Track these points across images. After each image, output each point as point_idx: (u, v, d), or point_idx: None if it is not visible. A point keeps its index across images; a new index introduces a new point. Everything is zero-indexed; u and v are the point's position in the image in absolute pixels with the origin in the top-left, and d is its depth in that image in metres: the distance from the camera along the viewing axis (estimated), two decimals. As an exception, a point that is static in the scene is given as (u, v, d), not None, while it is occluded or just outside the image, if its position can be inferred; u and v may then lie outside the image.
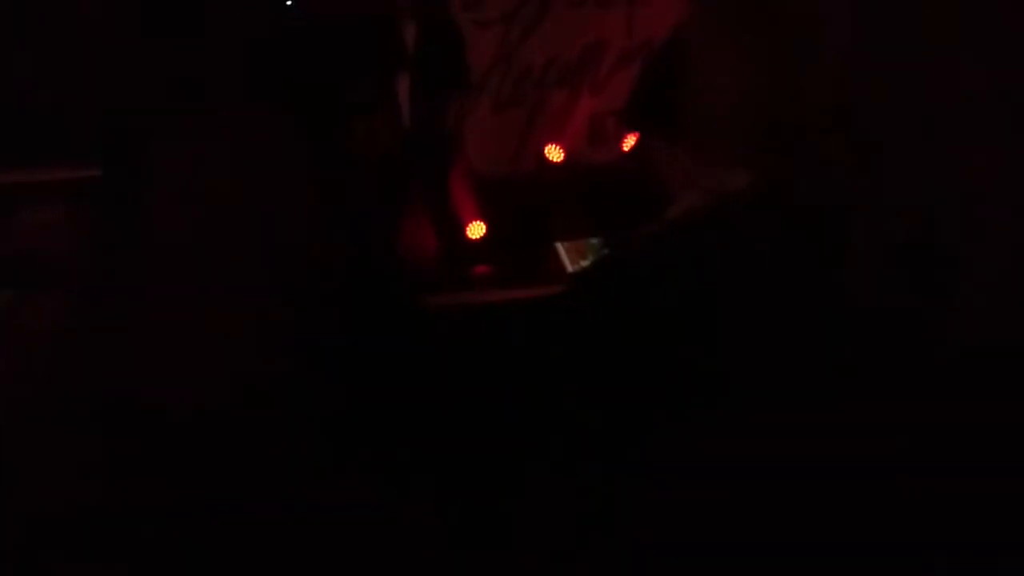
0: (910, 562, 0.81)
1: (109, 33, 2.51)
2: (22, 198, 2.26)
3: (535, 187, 2.77)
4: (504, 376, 1.06)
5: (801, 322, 0.80)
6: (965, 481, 0.81)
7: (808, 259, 0.86)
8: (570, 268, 1.42)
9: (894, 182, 0.86)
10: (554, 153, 2.92)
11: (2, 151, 2.49)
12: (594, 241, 1.49)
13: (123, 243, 1.91)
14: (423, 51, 2.65)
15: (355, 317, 2.06)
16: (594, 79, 2.96)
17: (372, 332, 2.08)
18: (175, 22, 2.51)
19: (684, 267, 0.91)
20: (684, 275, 0.89)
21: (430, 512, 1.78)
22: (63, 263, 1.79)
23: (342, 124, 2.59)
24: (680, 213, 1.03)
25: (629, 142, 2.83)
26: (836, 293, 0.82)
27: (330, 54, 2.63)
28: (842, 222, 0.86)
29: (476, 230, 2.74)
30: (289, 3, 2.65)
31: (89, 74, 2.60)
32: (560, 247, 1.94)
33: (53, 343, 1.71)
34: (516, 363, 1.05)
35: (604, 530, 0.85)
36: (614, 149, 2.89)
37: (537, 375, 0.97)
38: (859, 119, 0.87)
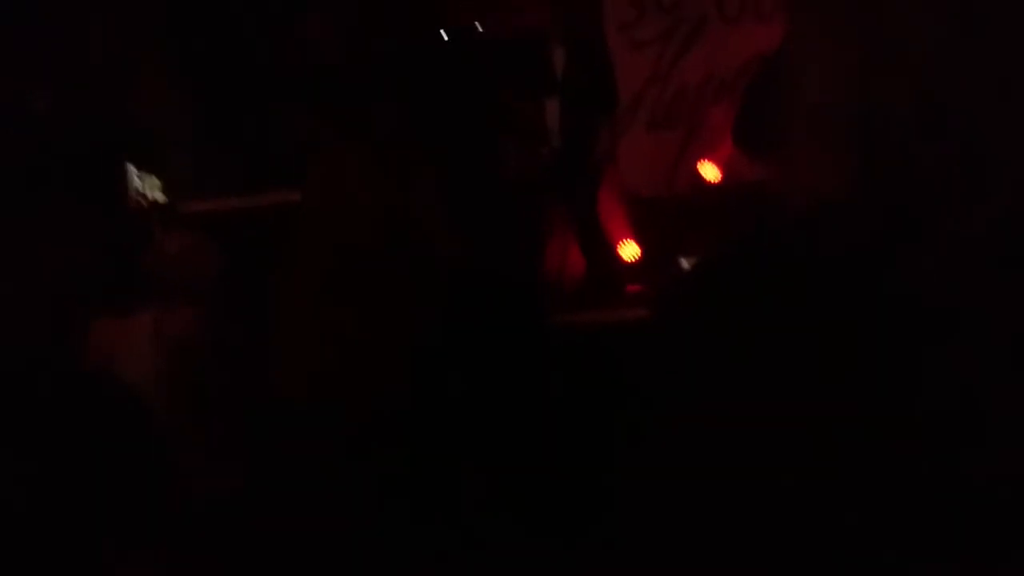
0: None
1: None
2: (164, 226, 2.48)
3: (686, 206, 2.74)
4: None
5: (876, 322, 0.79)
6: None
7: (889, 261, 0.84)
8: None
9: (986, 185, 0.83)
10: (710, 172, 2.88)
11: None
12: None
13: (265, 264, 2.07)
14: (572, 74, 2.68)
15: (493, 331, 2.12)
16: (752, 94, 2.91)
17: (510, 347, 2.13)
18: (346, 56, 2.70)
19: (778, 270, 0.91)
20: (776, 278, 0.89)
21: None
22: (199, 284, 1.96)
23: (493, 146, 2.67)
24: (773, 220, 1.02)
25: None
26: (913, 292, 0.80)
27: (483, 79, 2.72)
28: (926, 225, 0.84)
29: (630, 250, 2.74)
30: (445, 36, 2.77)
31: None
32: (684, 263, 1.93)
33: (193, 351, 1.88)
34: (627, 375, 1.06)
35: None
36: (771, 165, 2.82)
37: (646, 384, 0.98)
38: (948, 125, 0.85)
